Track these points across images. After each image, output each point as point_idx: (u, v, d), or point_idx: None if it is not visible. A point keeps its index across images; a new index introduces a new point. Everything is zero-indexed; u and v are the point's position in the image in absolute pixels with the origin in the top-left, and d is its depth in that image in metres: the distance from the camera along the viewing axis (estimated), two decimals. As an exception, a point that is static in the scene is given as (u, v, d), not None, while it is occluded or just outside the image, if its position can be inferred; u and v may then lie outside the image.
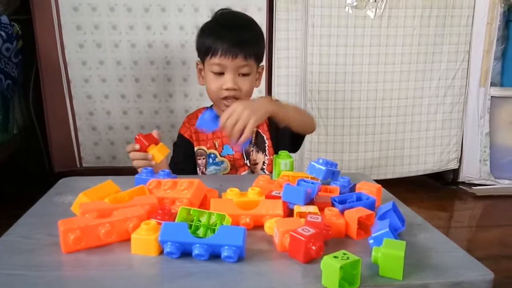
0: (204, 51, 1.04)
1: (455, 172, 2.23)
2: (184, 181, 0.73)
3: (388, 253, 0.55)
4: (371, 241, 0.62)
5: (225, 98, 1.05)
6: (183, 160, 1.12)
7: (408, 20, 1.93)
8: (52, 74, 1.79)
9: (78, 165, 1.92)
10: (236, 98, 1.05)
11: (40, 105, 1.87)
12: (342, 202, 0.73)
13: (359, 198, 0.75)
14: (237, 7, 1.77)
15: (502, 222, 1.92)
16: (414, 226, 0.72)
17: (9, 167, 1.91)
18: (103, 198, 0.70)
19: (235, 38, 1.00)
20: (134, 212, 0.64)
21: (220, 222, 0.63)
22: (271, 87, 1.93)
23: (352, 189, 0.82)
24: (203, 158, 1.12)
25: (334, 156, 2.00)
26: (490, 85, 2.10)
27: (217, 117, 0.89)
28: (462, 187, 2.23)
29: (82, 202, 0.68)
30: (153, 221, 0.61)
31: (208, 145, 1.12)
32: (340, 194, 0.77)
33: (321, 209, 0.69)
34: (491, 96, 2.11)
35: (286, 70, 1.91)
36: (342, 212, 0.69)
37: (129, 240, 0.60)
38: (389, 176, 2.09)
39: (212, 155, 1.12)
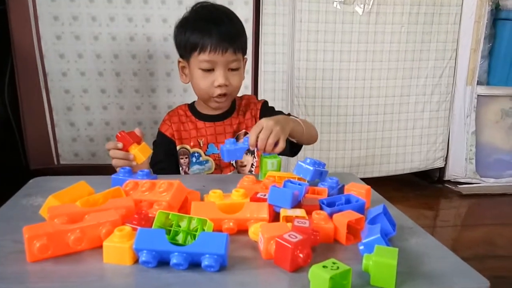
0: (190, 47, 0.99)
1: (441, 170, 2.24)
2: (163, 183, 0.69)
3: (380, 262, 0.52)
4: (361, 247, 0.58)
5: (217, 96, 1.01)
6: (165, 160, 1.07)
7: (396, 17, 1.92)
8: (27, 67, 1.72)
9: (56, 163, 1.85)
10: (226, 95, 1.01)
11: (16, 99, 1.80)
12: (330, 204, 0.70)
13: (348, 201, 0.72)
14: (223, 1, 1.73)
15: (487, 221, 1.93)
16: (405, 230, 0.69)
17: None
18: (75, 201, 0.65)
19: (223, 32, 0.96)
20: (108, 216, 0.60)
21: (201, 228, 0.59)
22: (257, 83, 1.89)
23: (341, 190, 0.79)
24: (186, 157, 1.07)
25: (320, 154, 1.97)
26: (477, 84, 2.11)
27: (236, 142, 0.87)
28: (448, 185, 2.24)
29: (51, 206, 0.63)
30: (127, 227, 0.57)
31: (191, 144, 1.08)
32: (328, 195, 0.74)
33: (309, 212, 0.66)
34: (478, 95, 2.12)
35: (273, 66, 1.87)
36: (330, 215, 0.65)
37: (101, 247, 0.55)
38: (376, 174, 2.09)
39: (196, 154, 1.08)
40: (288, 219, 0.64)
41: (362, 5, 1.86)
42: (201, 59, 0.98)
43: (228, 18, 1.01)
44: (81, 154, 1.86)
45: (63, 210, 0.61)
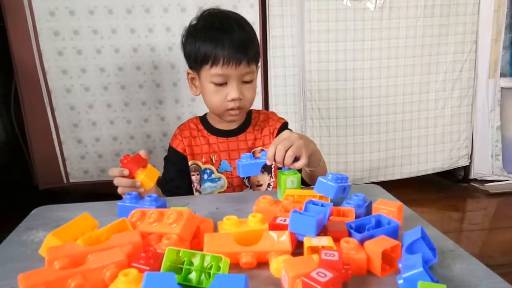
0: (200, 59, 0.92)
1: (466, 169, 2.17)
2: (171, 213, 0.62)
3: (428, 304, 0.44)
4: (400, 282, 0.51)
5: (230, 109, 0.95)
6: (177, 177, 1.01)
7: (410, 10, 1.84)
8: (30, 85, 1.68)
9: (65, 181, 1.81)
10: (240, 108, 0.95)
11: (23, 118, 1.76)
12: (359, 228, 0.62)
13: (378, 222, 0.64)
14: (228, 5, 1.67)
15: (519, 221, 1.84)
16: (446, 254, 0.61)
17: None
18: (77, 237, 0.60)
19: (235, 43, 0.89)
20: (112, 257, 0.53)
21: (216, 265, 0.52)
22: (267, 89, 1.83)
23: (369, 208, 0.71)
24: (197, 174, 1.01)
25: (337, 158, 1.90)
26: (500, 76, 2.04)
27: (253, 157, 0.82)
28: (473, 184, 2.16)
29: (50, 246, 0.57)
30: (133, 271, 0.50)
31: (203, 160, 1.01)
32: (355, 217, 0.66)
33: (336, 239, 0.58)
34: (501, 88, 2.05)
35: (282, 69, 1.81)
36: (361, 243, 0.58)
37: (105, 293, 0.49)
38: (397, 176, 2.01)
39: (208, 171, 1.01)
40: (314, 249, 0.56)
41: (373, 1, 1.79)
42: (213, 73, 0.91)
43: (239, 26, 0.94)
44: (90, 171, 1.82)
45: (63, 251, 0.55)
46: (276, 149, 0.77)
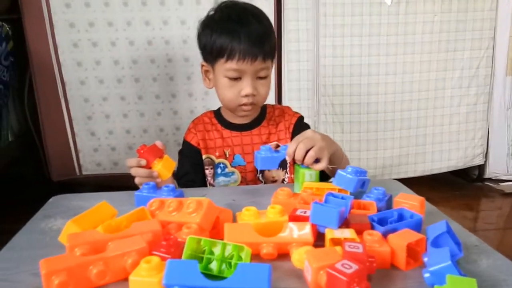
0: (216, 52, 0.90)
1: (481, 168, 2.13)
2: (191, 202, 0.62)
3: (458, 298, 0.43)
4: (426, 275, 0.50)
5: (243, 104, 0.94)
6: (192, 171, 1.00)
7: (427, 5, 1.81)
8: (45, 77, 1.69)
9: (78, 173, 1.82)
10: (253, 104, 0.94)
11: (36, 111, 1.77)
12: (381, 221, 0.61)
13: (400, 216, 0.63)
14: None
15: (535, 222, 1.81)
16: (470, 249, 0.60)
17: (5, 177, 1.81)
18: (96, 225, 0.60)
19: (252, 36, 0.88)
20: (133, 244, 0.53)
21: (237, 254, 0.52)
22: (281, 83, 1.82)
23: (389, 202, 0.70)
24: (211, 168, 1.01)
25: (351, 154, 1.88)
26: (517, 74, 1.99)
27: (272, 150, 0.80)
28: (488, 183, 2.13)
29: (71, 233, 0.57)
30: (155, 258, 0.49)
31: (217, 154, 1.01)
32: (376, 210, 0.65)
33: (358, 232, 0.57)
34: None
35: (297, 64, 1.79)
36: (384, 236, 0.57)
37: (127, 280, 0.49)
38: (411, 174, 1.99)
39: (222, 165, 1.00)
40: (336, 241, 0.55)
41: (390, -5, 1.76)
42: (228, 67, 0.90)
43: (256, 18, 0.92)
44: (103, 164, 1.83)
45: (84, 238, 0.55)
46: (297, 146, 0.76)
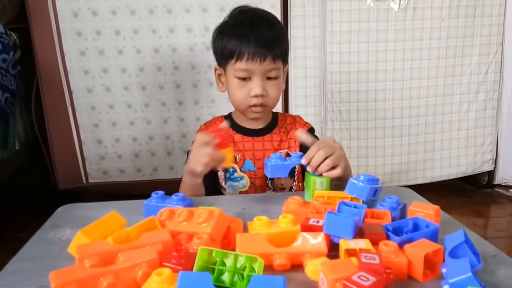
0: (226, 54, 0.93)
1: (490, 174, 2.11)
2: (202, 211, 0.61)
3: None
4: (446, 287, 0.48)
5: (253, 105, 0.95)
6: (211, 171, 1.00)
7: (435, 11, 1.81)
8: (52, 85, 1.69)
9: (84, 181, 1.81)
10: (263, 105, 0.95)
11: (43, 119, 1.77)
12: (397, 231, 0.60)
13: (416, 225, 0.62)
14: (249, 5, 1.65)
15: (546, 229, 1.78)
16: (488, 259, 0.59)
17: (12, 186, 1.81)
18: (106, 235, 0.59)
19: (261, 39, 0.90)
20: (144, 255, 0.52)
21: (250, 266, 0.51)
22: (287, 90, 1.81)
23: (403, 211, 0.69)
24: (223, 170, 1.00)
25: (358, 161, 1.87)
26: (527, 79, 1.98)
27: (282, 157, 0.79)
28: (498, 190, 2.11)
29: (80, 244, 0.56)
30: (167, 270, 0.48)
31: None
32: (391, 219, 0.64)
33: (374, 243, 0.56)
34: None
35: (303, 70, 1.79)
36: (400, 246, 0.55)
37: (138, 292, 0.48)
38: (420, 181, 1.97)
39: (231, 169, 1.00)
40: (351, 252, 0.54)
41: (397, 1, 1.76)
42: (237, 67, 0.92)
43: (268, 24, 0.94)
44: (110, 172, 1.82)
45: (94, 249, 0.54)
46: (316, 152, 0.76)
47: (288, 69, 1.03)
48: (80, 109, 1.74)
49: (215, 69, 1.01)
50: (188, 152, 1.02)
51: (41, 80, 1.69)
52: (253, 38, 0.89)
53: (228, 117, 1.06)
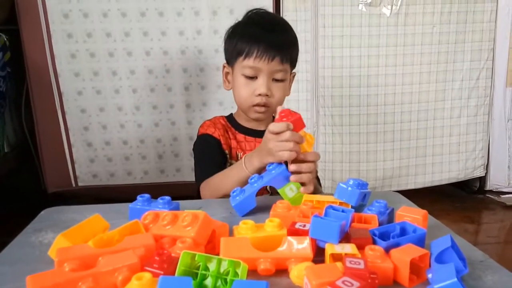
0: (236, 52, 0.94)
1: (482, 180, 2.11)
2: (186, 215, 0.60)
3: (465, 316, 0.41)
4: (431, 292, 0.47)
5: (256, 105, 0.95)
6: (224, 162, 0.99)
7: (427, 17, 1.82)
8: (42, 87, 1.67)
9: (74, 185, 1.80)
10: (267, 106, 0.95)
11: (33, 121, 1.75)
12: (383, 236, 0.59)
13: (403, 230, 0.61)
14: (241, 9, 1.65)
15: (537, 235, 1.78)
16: (475, 265, 0.58)
17: (1, 188, 1.79)
18: (87, 239, 0.57)
19: (272, 40, 0.91)
20: (125, 259, 0.51)
21: (233, 270, 0.49)
22: (279, 94, 1.80)
23: (391, 215, 0.68)
24: (229, 165, 1.00)
25: (350, 166, 1.87)
26: (517, 85, 1.99)
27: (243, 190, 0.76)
28: (489, 195, 2.11)
29: (60, 247, 0.55)
30: (147, 275, 0.47)
31: (228, 156, 1.01)
32: (378, 224, 0.63)
33: (360, 247, 0.55)
34: None
35: (296, 75, 1.78)
36: (387, 251, 0.54)
37: (117, 297, 0.46)
38: (411, 186, 1.97)
39: None
40: (336, 257, 0.53)
41: (389, 6, 1.77)
42: (245, 64, 0.93)
43: (280, 27, 0.96)
44: (100, 175, 1.80)
45: (74, 253, 0.52)
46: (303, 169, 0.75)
47: (295, 75, 1.04)
48: (70, 112, 1.72)
49: (223, 67, 1.02)
50: (197, 149, 1.02)
51: (30, 82, 1.68)
52: (264, 38, 0.91)
53: (229, 117, 1.06)
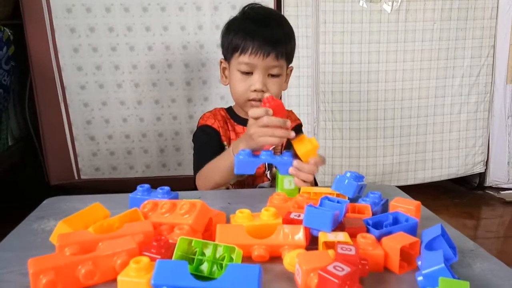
0: (232, 48, 0.95)
1: (481, 176, 2.12)
2: (184, 203, 0.61)
3: (450, 299, 0.42)
4: (419, 279, 0.49)
5: (252, 99, 0.96)
6: (219, 150, 1.00)
7: (427, 13, 1.82)
8: (45, 81, 1.69)
9: (76, 177, 1.81)
10: (262, 101, 0.95)
11: (36, 115, 1.77)
12: (376, 225, 0.60)
13: (396, 220, 0.62)
14: (242, 4, 1.66)
15: (535, 230, 1.79)
16: (466, 253, 0.60)
17: (4, 181, 1.81)
18: (88, 226, 0.59)
19: (267, 36, 0.92)
20: (123, 245, 0.52)
21: (229, 256, 0.51)
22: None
23: (385, 206, 0.70)
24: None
25: (350, 161, 1.88)
26: (518, 82, 1.99)
27: (251, 154, 0.77)
28: (489, 192, 2.11)
29: (61, 233, 0.56)
30: (144, 258, 0.49)
31: (227, 147, 1.02)
32: (372, 214, 0.64)
33: (352, 235, 0.56)
34: None
35: (296, 70, 1.80)
36: (378, 239, 0.56)
37: (116, 281, 0.48)
38: (410, 182, 1.97)
39: None
40: (329, 245, 0.55)
41: (390, 3, 1.77)
42: (240, 60, 0.94)
43: (276, 22, 0.96)
44: (102, 168, 1.82)
45: (74, 238, 0.54)
46: (311, 172, 0.76)
47: (292, 70, 1.04)
48: (72, 106, 1.74)
49: (221, 62, 1.03)
50: (196, 138, 1.03)
51: (34, 76, 1.69)
52: (259, 34, 0.91)
53: (229, 109, 1.07)
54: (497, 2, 1.88)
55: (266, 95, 0.81)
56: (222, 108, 1.08)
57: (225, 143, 1.02)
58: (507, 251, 1.63)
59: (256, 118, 0.77)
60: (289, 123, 0.77)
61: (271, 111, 0.76)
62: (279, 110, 0.77)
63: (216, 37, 1.70)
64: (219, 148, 0.99)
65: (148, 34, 1.70)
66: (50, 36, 1.64)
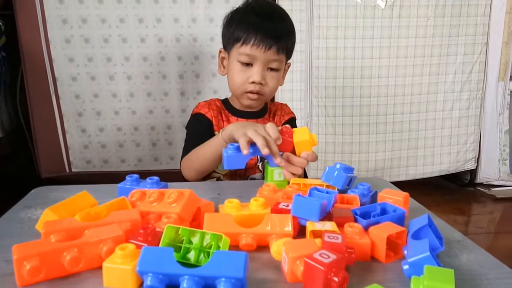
0: (233, 38, 0.95)
1: (473, 172, 2.13)
2: (172, 192, 0.61)
3: (434, 287, 0.42)
4: (405, 267, 0.49)
5: (249, 92, 0.96)
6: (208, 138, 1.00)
7: (421, 9, 1.83)
8: (36, 72, 1.67)
9: (67, 170, 1.80)
10: (260, 94, 0.97)
11: (27, 106, 1.75)
12: (364, 215, 0.61)
13: (384, 210, 0.63)
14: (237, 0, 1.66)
15: (525, 227, 1.81)
16: (453, 244, 0.60)
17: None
18: (75, 214, 0.58)
19: (270, 29, 0.92)
20: (110, 232, 0.52)
21: (216, 244, 0.51)
22: (273, 84, 1.81)
23: (374, 198, 0.70)
24: None
25: (342, 157, 1.88)
26: (510, 79, 2.00)
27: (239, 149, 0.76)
28: (480, 188, 2.13)
29: (47, 220, 0.56)
30: (130, 245, 0.48)
31: None
32: (360, 205, 0.65)
33: (340, 225, 0.56)
34: (511, 91, 2.02)
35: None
36: (366, 228, 0.56)
37: (101, 268, 0.47)
38: (402, 178, 1.99)
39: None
40: (316, 234, 0.55)
41: (384, -2, 1.77)
42: (241, 51, 0.94)
43: (279, 16, 0.97)
44: (93, 161, 1.81)
45: (60, 226, 0.54)
46: (301, 166, 0.77)
47: (290, 66, 1.05)
48: (64, 98, 1.72)
49: (220, 52, 1.03)
50: (190, 126, 1.03)
51: (25, 67, 1.67)
52: (262, 26, 0.92)
53: (224, 100, 1.07)
54: (491, -1, 1.89)
55: (287, 126, 0.80)
56: (218, 99, 1.08)
57: (216, 133, 1.02)
58: (497, 247, 1.65)
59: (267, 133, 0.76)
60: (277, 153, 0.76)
61: (280, 141, 0.76)
62: (287, 146, 0.77)
63: (209, 30, 1.71)
64: (209, 137, 0.98)
65: (141, 26, 1.69)
66: (41, 26, 1.63)
